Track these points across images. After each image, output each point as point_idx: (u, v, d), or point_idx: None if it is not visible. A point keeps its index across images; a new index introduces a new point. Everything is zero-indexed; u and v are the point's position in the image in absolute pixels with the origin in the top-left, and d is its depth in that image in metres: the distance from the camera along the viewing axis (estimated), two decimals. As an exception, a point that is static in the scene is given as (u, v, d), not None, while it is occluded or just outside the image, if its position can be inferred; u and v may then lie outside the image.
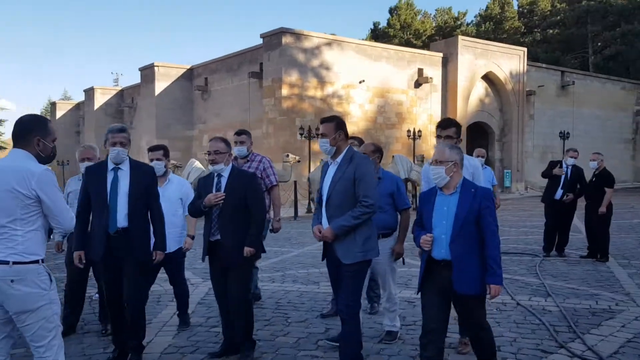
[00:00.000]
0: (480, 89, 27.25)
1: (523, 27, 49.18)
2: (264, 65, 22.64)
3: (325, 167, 4.27)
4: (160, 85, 28.20)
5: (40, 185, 2.97)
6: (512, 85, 27.71)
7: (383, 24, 57.84)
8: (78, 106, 42.41)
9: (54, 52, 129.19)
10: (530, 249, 9.84)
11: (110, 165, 4.38)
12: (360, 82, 23.41)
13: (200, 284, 7.12)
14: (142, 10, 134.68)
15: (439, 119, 26.33)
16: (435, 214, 3.57)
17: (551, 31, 46.88)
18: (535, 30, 50.11)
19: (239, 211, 4.36)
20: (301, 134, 20.95)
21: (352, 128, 23.58)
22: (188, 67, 29.29)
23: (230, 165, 4.55)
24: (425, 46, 47.83)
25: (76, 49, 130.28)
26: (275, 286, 7.02)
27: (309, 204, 18.65)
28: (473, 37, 37.82)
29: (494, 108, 28.16)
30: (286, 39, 21.70)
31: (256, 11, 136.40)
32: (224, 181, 4.47)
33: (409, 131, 23.51)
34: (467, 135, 26.09)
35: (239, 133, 5.93)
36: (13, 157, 3.06)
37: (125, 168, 4.40)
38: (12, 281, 2.89)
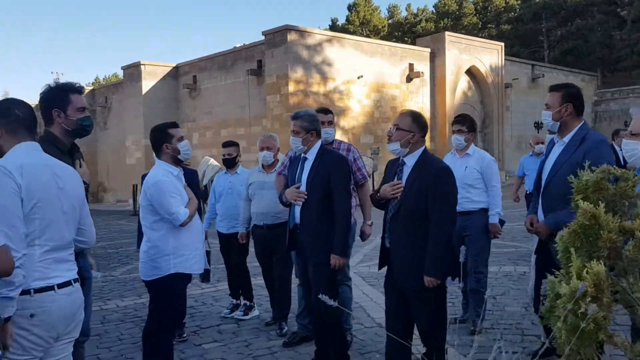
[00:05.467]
0: (464, 82, 28.41)
1: (480, 23, 51.18)
2: (267, 62, 22.74)
3: (549, 145, 3.62)
4: (146, 84, 27.69)
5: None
6: (492, 79, 29.04)
7: (341, 20, 58.69)
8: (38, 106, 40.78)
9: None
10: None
11: (302, 155, 4.11)
12: (358, 78, 23.95)
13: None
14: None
15: (429, 112, 27.59)
16: None
17: (505, 26, 49.03)
18: (490, 25, 52.25)
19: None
20: (312, 129, 21.29)
21: (352, 122, 24.18)
22: (173, 65, 28.88)
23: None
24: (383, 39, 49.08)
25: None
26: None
27: None
28: (432, 32, 39.46)
29: (476, 100, 29.41)
30: (291, 36, 21.92)
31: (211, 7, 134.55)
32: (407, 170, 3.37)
33: (407, 124, 24.35)
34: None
35: (325, 111, 4.60)
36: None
37: (311, 157, 4.02)
38: None
